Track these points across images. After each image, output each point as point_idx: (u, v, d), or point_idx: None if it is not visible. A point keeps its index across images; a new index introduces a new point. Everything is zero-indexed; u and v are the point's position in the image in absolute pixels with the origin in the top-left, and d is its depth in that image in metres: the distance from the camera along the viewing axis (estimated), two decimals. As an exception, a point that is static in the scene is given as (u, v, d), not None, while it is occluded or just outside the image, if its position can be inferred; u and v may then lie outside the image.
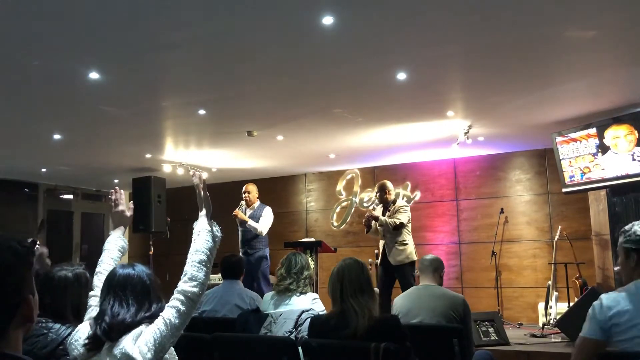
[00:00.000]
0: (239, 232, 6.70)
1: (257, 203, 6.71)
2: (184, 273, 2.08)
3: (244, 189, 6.76)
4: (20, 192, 9.43)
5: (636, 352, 2.15)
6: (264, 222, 6.57)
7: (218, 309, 3.93)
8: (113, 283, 2.05)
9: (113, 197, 2.59)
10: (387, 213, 6.23)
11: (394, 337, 2.59)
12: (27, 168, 8.42)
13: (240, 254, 6.62)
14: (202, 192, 2.27)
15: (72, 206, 10.20)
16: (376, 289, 6.44)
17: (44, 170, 8.57)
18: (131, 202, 2.69)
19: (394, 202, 6.34)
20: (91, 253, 9.96)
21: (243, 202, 6.66)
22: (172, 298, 2.03)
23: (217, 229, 2.21)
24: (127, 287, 2.03)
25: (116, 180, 9.63)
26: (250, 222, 6.47)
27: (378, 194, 6.48)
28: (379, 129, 6.46)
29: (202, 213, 2.24)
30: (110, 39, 3.80)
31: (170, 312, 1.98)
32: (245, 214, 6.58)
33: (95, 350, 1.97)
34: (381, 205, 6.46)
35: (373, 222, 6.24)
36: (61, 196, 10.08)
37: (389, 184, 6.44)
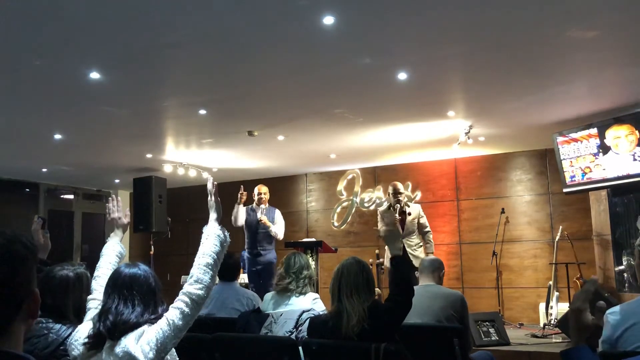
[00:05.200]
0: (247, 232, 6.70)
1: (266, 204, 6.73)
2: (190, 275, 2.09)
3: (259, 190, 6.72)
4: (21, 191, 9.43)
5: (636, 352, 2.15)
6: (282, 227, 6.71)
7: (215, 312, 3.89)
8: (119, 282, 2.05)
9: (109, 205, 2.62)
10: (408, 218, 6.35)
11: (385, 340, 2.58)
12: (28, 168, 8.42)
13: (247, 253, 6.63)
14: (213, 197, 2.29)
15: (73, 206, 10.21)
16: (377, 290, 6.50)
17: (44, 170, 8.58)
18: (127, 209, 2.72)
19: (406, 203, 6.45)
20: (92, 253, 9.96)
21: (254, 205, 6.64)
22: (176, 299, 2.03)
23: (226, 234, 2.22)
24: (133, 287, 2.03)
25: (117, 180, 9.64)
26: (272, 228, 6.55)
27: (392, 196, 6.48)
28: (380, 129, 6.46)
29: (213, 217, 2.26)
30: (111, 38, 3.80)
31: (174, 313, 1.99)
32: (257, 213, 6.58)
33: (95, 349, 1.97)
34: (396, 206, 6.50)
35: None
36: (62, 196, 10.09)
37: (400, 186, 6.50)
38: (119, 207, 2.64)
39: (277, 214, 6.77)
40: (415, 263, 6.09)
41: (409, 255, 6.25)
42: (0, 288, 1.11)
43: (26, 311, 1.15)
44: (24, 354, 1.13)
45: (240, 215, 6.57)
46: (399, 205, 6.36)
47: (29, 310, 1.16)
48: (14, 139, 6.57)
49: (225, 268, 4.18)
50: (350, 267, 2.85)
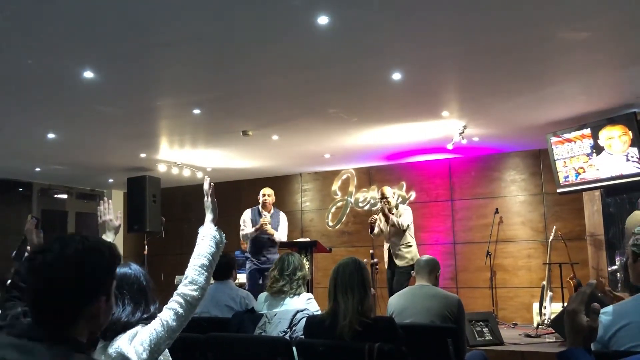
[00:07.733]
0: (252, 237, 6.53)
1: (272, 208, 6.62)
2: (184, 276, 2.08)
3: (264, 192, 6.53)
4: (14, 191, 9.39)
5: (630, 352, 2.15)
6: (284, 231, 6.56)
7: (209, 310, 3.91)
8: None
9: (100, 208, 2.62)
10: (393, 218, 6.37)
11: (388, 339, 2.59)
12: (21, 167, 8.38)
13: (252, 257, 6.54)
14: (210, 198, 2.29)
15: (67, 206, 10.17)
16: (372, 290, 6.51)
17: (38, 169, 8.54)
18: (119, 211, 2.71)
19: (397, 207, 6.49)
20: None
21: (260, 207, 6.54)
22: (171, 300, 2.02)
23: (222, 235, 2.21)
24: (123, 287, 2.02)
25: (111, 180, 9.61)
26: (276, 235, 6.39)
27: (380, 200, 6.63)
28: (375, 129, 6.46)
29: (209, 218, 2.25)
30: (105, 37, 3.78)
31: (168, 314, 1.98)
32: (262, 217, 6.48)
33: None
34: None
35: (377, 224, 6.48)
36: (55, 196, 10.04)
37: (387, 191, 6.51)
38: (111, 210, 2.64)
39: (282, 217, 6.59)
40: (398, 262, 6.26)
41: (393, 255, 6.32)
42: (66, 286, 1.25)
43: (87, 317, 1.27)
44: (91, 356, 1.29)
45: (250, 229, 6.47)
46: (385, 208, 6.47)
47: (91, 315, 1.28)
48: (7, 138, 6.53)
49: (219, 267, 4.16)
50: (345, 266, 2.87)
